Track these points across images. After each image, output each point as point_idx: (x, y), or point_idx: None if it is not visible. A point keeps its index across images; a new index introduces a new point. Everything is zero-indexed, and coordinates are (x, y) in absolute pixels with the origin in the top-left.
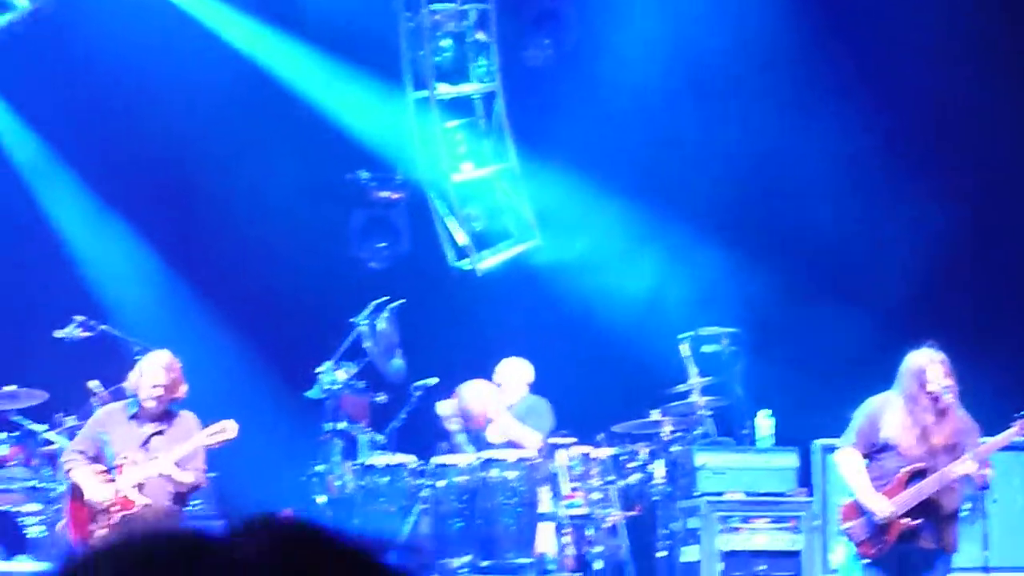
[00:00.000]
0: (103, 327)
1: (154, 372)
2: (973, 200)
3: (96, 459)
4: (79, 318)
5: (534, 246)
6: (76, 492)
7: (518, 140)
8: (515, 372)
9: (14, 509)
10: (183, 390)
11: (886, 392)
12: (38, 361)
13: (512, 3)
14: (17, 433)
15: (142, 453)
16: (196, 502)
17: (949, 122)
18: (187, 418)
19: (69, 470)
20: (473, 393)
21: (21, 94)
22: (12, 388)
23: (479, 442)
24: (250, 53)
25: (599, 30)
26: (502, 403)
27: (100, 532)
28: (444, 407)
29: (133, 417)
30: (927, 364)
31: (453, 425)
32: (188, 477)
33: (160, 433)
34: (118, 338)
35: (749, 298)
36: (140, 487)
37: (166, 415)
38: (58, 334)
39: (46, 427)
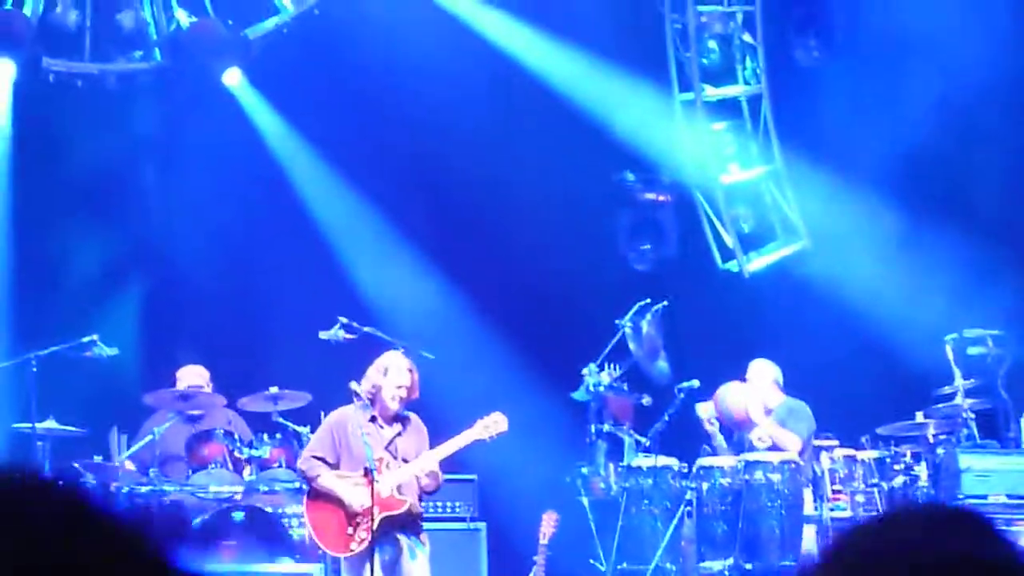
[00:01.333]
0: (367, 329)
1: (400, 373)
2: None
3: (335, 465)
4: (343, 320)
5: (801, 248)
6: (318, 499)
7: (784, 142)
8: (763, 372)
9: (278, 511)
10: (417, 394)
11: None
12: (302, 363)
13: (778, 4)
14: (280, 435)
15: (388, 455)
16: (459, 504)
17: None
18: (416, 419)
19: (316, 477)
20: (733, 395)
21: (288, 97)
22: (275, 390)
23: (738, 445)
24: (516, 54)
25: (867, 30)
26: (762, 405)
27: (361, 536)
28: (703, 409)
29: (372, 420)
30: None
31: (711, 427)
32: (442, 476)
33: (400, 435)
34: (382, 340)
35: (1014, 299)
36: (399, 488)
37: (400, 417)
38: (323, 335)
39: (309, 428)
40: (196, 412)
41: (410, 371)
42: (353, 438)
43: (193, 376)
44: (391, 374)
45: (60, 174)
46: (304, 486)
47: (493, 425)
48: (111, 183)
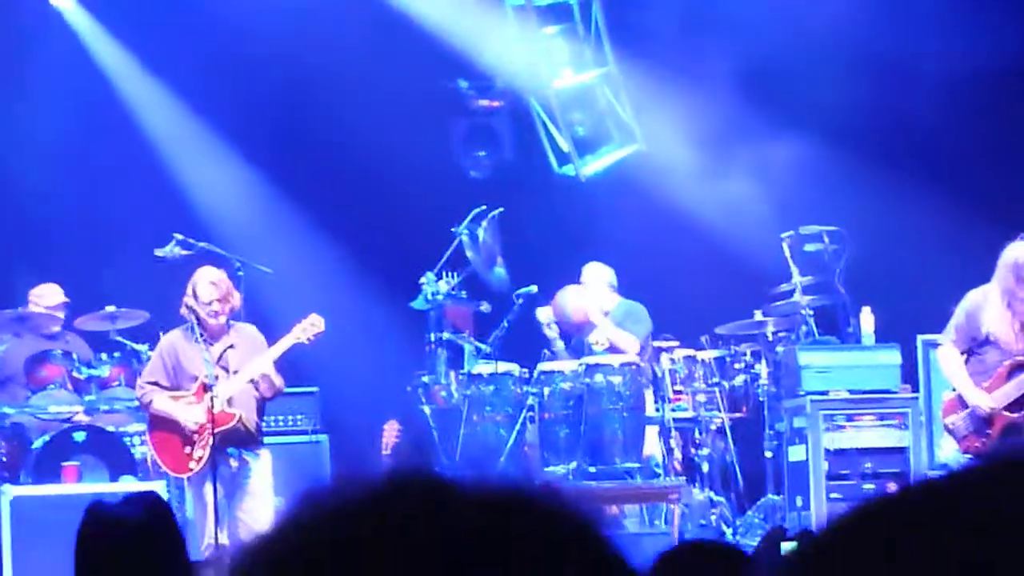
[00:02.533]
0: (203, 244)
1: (205, 289)
2: None
3: (171, 388)
4: (179, 236)
5: (636, 151)
6: (157, 423)
7: (617, 44)
8: (597, 275)
9: (119, 429)
10: (238, 299)
11: (985, 286)
12: (139, 281)
13: None
14: (119, 354)
15: (220, 370)
16: (300, 417)
17: None
18: (248, 328)
19: (149, 403)
20: (571, 298)
21: (117, 9)
22: (113, 308)
23: (577, 349)
24: None
25: None
26: (599, 307)
27: (198, 454)
28: (542, 314)
29: (200, 339)
30: (1022, 256)
31: (551, 332)
32: (279, 380)
33: (232, 347)
34: (218, 255)
35: (849, 195)
36: (230, 402)
37: (229, 329)
38: (158, 253)
39: (147, 347)
40: (37, 333)
41: (215, 284)
42: (184, 358)
43: (54, 295)
44: (199, 292)
45: None
46: (142, 412)
47: (311, 327)
48: None
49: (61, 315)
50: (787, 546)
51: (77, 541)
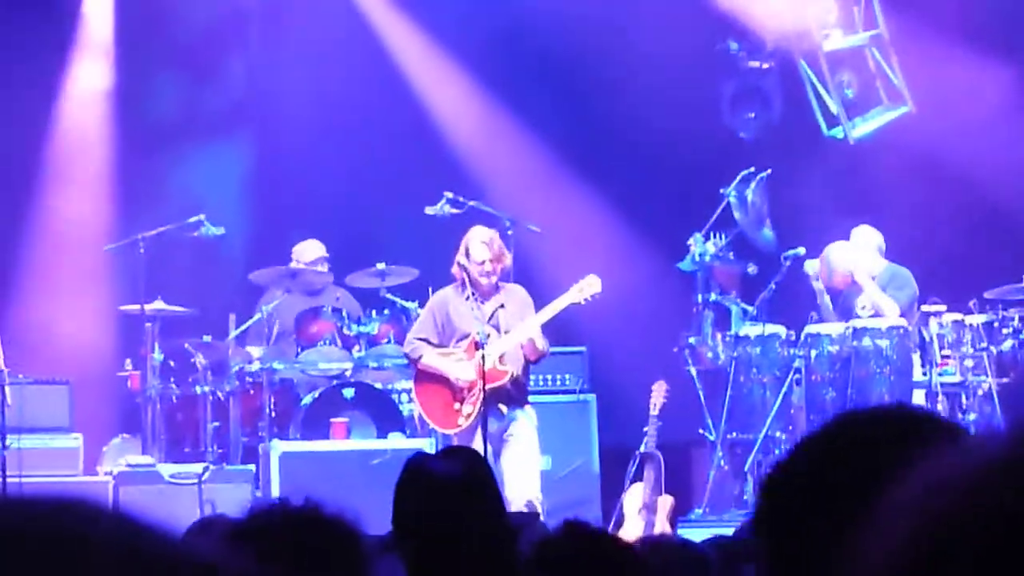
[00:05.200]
0: (472, 203)
1: (478, 249)
2: None
3: (439, 344)
4: (449, 194)
5: (906, 113)
6: (426, 378)
7: (887, 6)
8: (866, 238)
9: (387, 387)
10: (509, 259)
11: None
12: (409, 238)
13: None
14: (388, 311)
15: (492, 329)
16: (568, 376)
17: None
18: (519, 289)
19: (419, 358)
20: (838, 256)
21: None
22: (383, 266)
23: (845, 310)
24: None
25: None
26: (865, 268)
27: (467, 411)
28: (811, 266)
29: (472, 297)
30: None
31: (818, 284)
32: (544, 343)
33: (502, 307)
34: (488, 214)
35: None
36: (501, 359)
37: (499, 289)
38: (429, 211)
39: (416, 304)
40: (304, 289)
41: (487, 244)
42: (455, 316)
43: (306, 251)
44: (471, 252)
45: (165, 51)
46: (410, 368)
47: (588, 287)
48: (214, 55)
49: (325, 269)
50: None
51: (396, 496)
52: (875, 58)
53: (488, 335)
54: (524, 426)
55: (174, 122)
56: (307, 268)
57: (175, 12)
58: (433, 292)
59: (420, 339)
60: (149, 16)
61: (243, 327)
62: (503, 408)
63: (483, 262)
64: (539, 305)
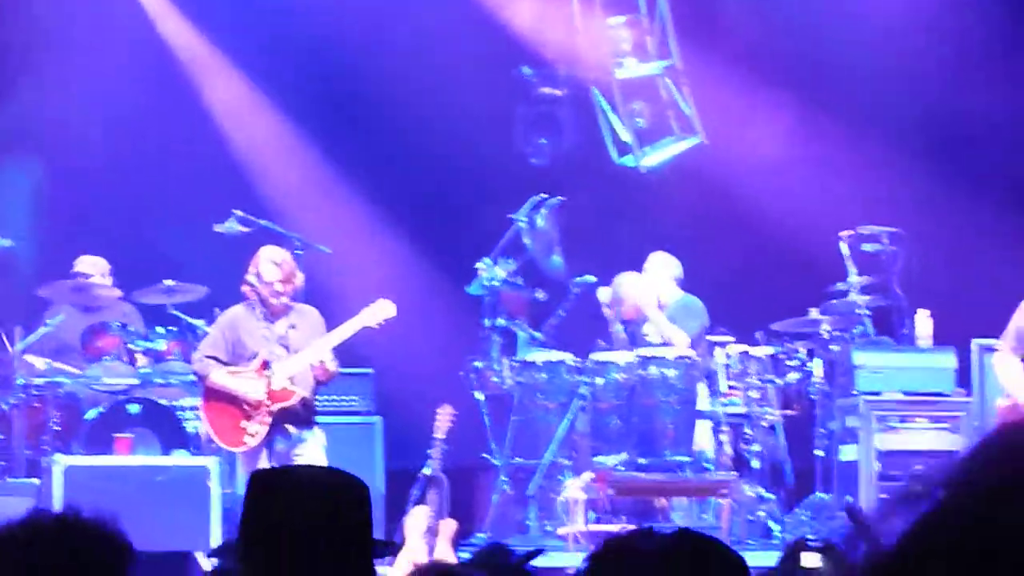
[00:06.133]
0: (262, 222)
1: (269, 269)
2: None
3: (228, 362)
4: (238, 212)
5: (697, 143)
6: (213, 396)
7: (681, 37)
8: (662, 266)
9: (173, 403)
10: (301, 280)
11: None
12: (197, 256)
13: None
14: (175, 328)
15: (281, 349)
16: (354, 398)
17: None
18: (311, 311)
19: (207, 375)
20: (627, 285)
21: None
22: (171, 283)
23: (635, 337)
24: None
25: None
26: (655, 299)
27: (254, 429)
28: (603, 293)
29: (263, 316)
30: None
31: (609, 312)
32: (335, 365)
33: (293, 327)
34: (278, 234)
35: (910, 196)
36: (291, 380)
37: (290, 309)
38: (217, 228)
39: (204, 322)
40: (91, 304)
41: (278, 264)
42: (245, 335)
43: (87, 266)
44: (262, 272)
45: None
46: (200, 385)
47: (380, 311)
48: (6, 73)
49: (109, 283)
50: (808, 558)
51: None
52: (668, 88)
53: (278, 355)
54: (312, 447)
55: None
56: (94, 283)
57: None
58: (221, 310)
59: (209, 357)
60: None
61: (28, 340)
62: (291, 428)
63: (273, 282)
64: (329, 326)
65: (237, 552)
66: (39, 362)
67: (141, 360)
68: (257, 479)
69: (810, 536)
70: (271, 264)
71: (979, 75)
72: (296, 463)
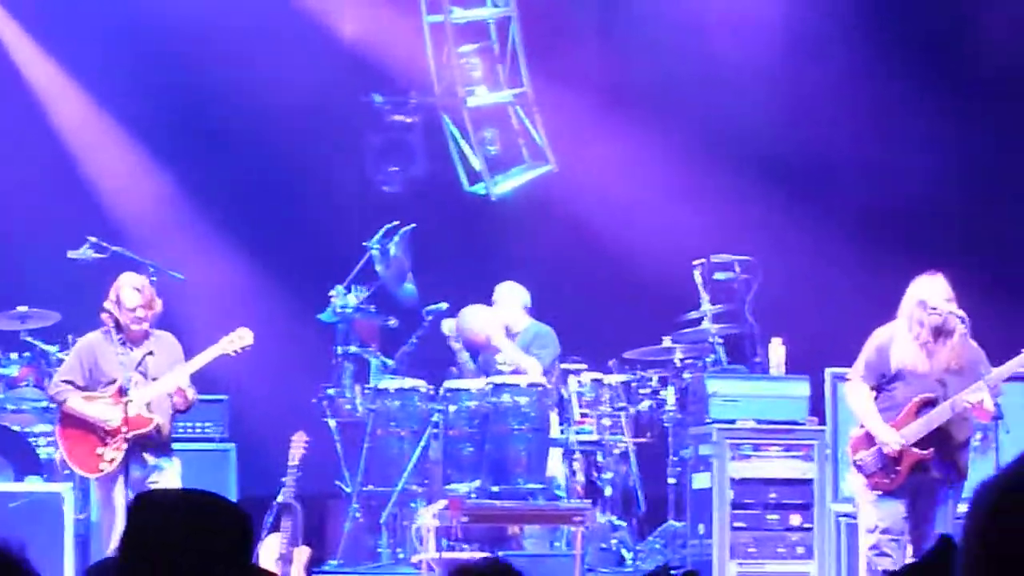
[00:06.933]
0: (116, 248)
1: (129, 296)
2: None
3: (84, 388)
4: (92, 239)
5: (548, 172)
6: (69, 422)
7: (532, 65)
8: (511, 295)
9: (25, 429)
10: (160, 306)
11: (894, 322)
12: (50, 282)
13: None
14: (28, 354)
15: (139, 376)
16: (208, 424)
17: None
18: (168, 337)
19: (63, 401)
20: (473, 319)
21: (30, 9)
22: (24, 309)
23: (486, 366)
24: None
25: None
26: (503, 329)
27: (110, 456)
28: (447, 326)
29: (120, 342)
30: (929, 291)
31: (456, 344)
32: (193, 393)
33: (151, 354)
34: (131, 260)
35: (762, 225)
36: (148, 406)
37: (148, 336)
38: (71, 255)
39: (57, 348)
40: None
41: (139, 290)
42: (103, 361)
43: None
44: (123, 297)
45: None
46: (56, 411)
47: (238, 340)
48: None
49: None
50: None
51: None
52: (519, 116)
53: (135, 381)
54: (168, 475)
55: None
56: None
57: None
58: (75, 337)
59: (65, 381)
60: None
61: None
62: (148, 456)
63: (135, 308)
64: (184, 354)
65: (116, 572)
66: None
67: None
68: (140, 498)
69: (671, 564)
70: (132, 290)
71: (829, 106)
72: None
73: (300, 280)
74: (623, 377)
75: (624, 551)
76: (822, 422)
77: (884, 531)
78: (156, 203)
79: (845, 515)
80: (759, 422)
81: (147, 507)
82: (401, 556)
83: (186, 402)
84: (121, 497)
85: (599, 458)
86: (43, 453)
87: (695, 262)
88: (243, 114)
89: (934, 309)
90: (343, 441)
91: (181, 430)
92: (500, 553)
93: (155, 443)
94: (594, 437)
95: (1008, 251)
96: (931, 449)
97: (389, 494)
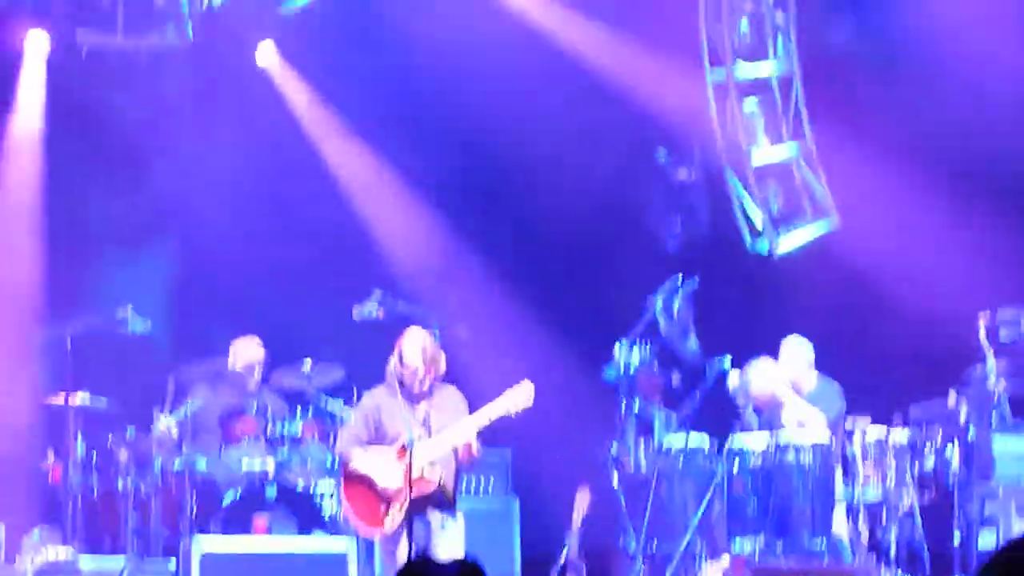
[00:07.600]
0: (400, 303)
1: (413, 356)
2: None
3: (370, 443)
4: (378, 293)
5: (831, 227)
6: (353, 479)
7: (816, 121)
8: (797, 352)
9: (310, 487)
10: (443, 363)
11: None
12: (335, 336)
13: None
14: (311, 411)
15: (423, 431)
16: (492, 479)
17: None
18: (451, 391)
19: (348, 460)
20: (756, 377)
21: (320, 71)
22: (308, 366)
23: (770, 423)
24: (548, 30)
25: (902, 12)
26: (789, 385)
27: (394, 514)
28: (732, 379)
29: (403, 399)
30: None
31: (741, 400)
32: (479, 447)
33: (435, 409)
34: (416, 316)
35: None
36: (432, 463)
37: (432, 391)
38: (356, 312)
39: (342, 402)
40: (232, 388)
41: (424, 349)
42: (387, 417)
43: (251, 352)
44: (405, 358)
45: (92, 147)
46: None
47: (522, 400)
48: (143, 155)
49: (257, 375)
50: None
51: None
52: (801, 171)
53: (420, 436)
54: (451, 533)
55: (102, 218)
56: (242, 370)
57: (104, 109)
58: (359, 392)
59: (351, 441)
60: (79, 111)
61: (169, 421)
62: (431, 514)
63: (417, 367)
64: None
65: None
66: (170, 422)
67: (279, 444)
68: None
69: None
70: (414, 349)
71: None
72: (435, 550)
73: (582, 334)
74: (907, 433)
75: None
76: None
77: None
78: (441, 259)
79: None
80: None
81: None
82: None
83: (470, 457)
84: (404, 556)
85: (883, 517)
86: (327, 510)
87: (980, 314)
88: (527, 168)
89: None
90: (627, 499)
91: (464, 484)
92: None
93: (439, 501)
94: (878, 496)
95: None
96: None
97: (673, 552)
